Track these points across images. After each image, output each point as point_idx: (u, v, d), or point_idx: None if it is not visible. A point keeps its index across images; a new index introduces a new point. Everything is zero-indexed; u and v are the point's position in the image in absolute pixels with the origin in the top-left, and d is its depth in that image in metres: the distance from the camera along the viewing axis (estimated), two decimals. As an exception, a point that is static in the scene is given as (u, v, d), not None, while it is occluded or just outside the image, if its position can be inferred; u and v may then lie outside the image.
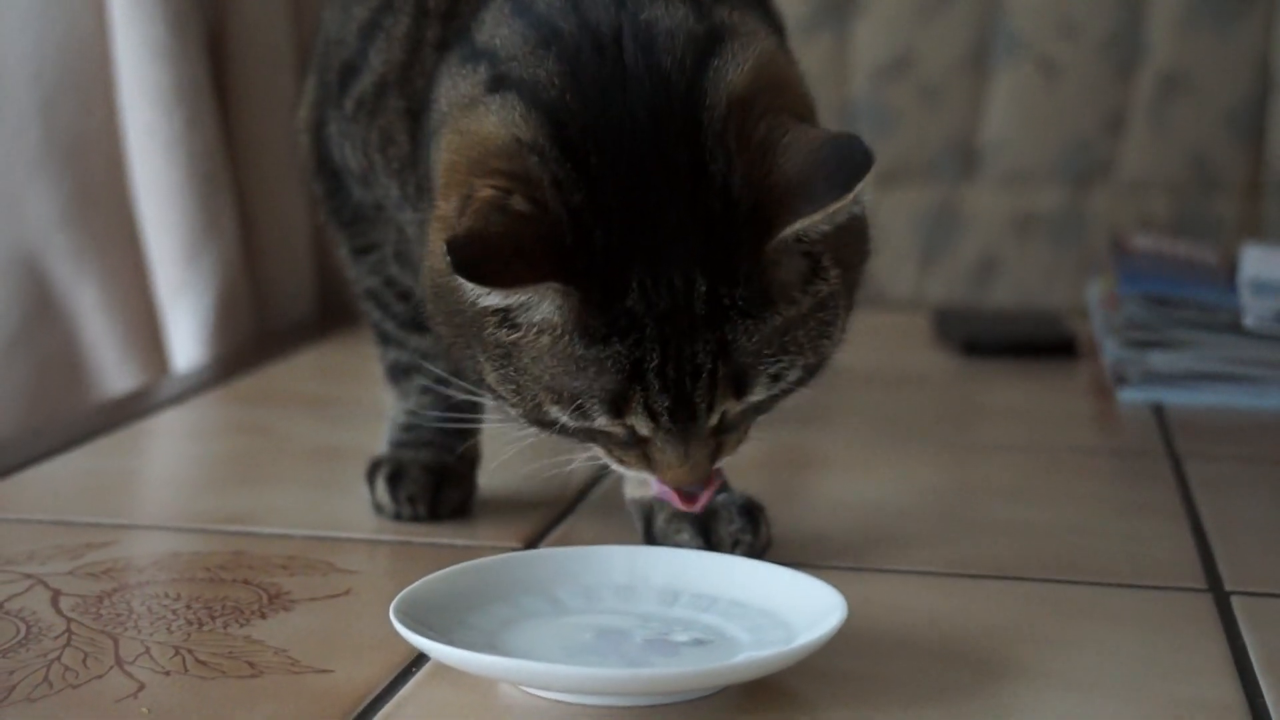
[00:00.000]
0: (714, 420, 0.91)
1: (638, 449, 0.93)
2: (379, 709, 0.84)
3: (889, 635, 0.94)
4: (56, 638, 0.92)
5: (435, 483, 1.14)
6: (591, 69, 0.91)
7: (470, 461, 1.17)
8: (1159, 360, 1.57)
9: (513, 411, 0.93)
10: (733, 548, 1.04)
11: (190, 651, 0.90)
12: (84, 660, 0.89)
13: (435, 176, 0.96)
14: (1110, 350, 1.60)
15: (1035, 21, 2.08)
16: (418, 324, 1.14)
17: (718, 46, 0.92)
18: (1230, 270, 1.69)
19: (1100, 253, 1.92)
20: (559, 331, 0.88)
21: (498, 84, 0.93)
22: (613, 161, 0.89)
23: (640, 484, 1.08)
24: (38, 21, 1.63)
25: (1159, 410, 1.52)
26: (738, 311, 0.88)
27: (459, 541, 1.10)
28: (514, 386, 0.91)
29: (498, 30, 0.96)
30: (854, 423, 1.48)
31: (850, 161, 0.86)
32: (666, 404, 0.89)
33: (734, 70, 0.91)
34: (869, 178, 0.86)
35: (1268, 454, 1.40)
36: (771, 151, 0.88)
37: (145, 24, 1.62)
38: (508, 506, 1.17)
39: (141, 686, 0.86)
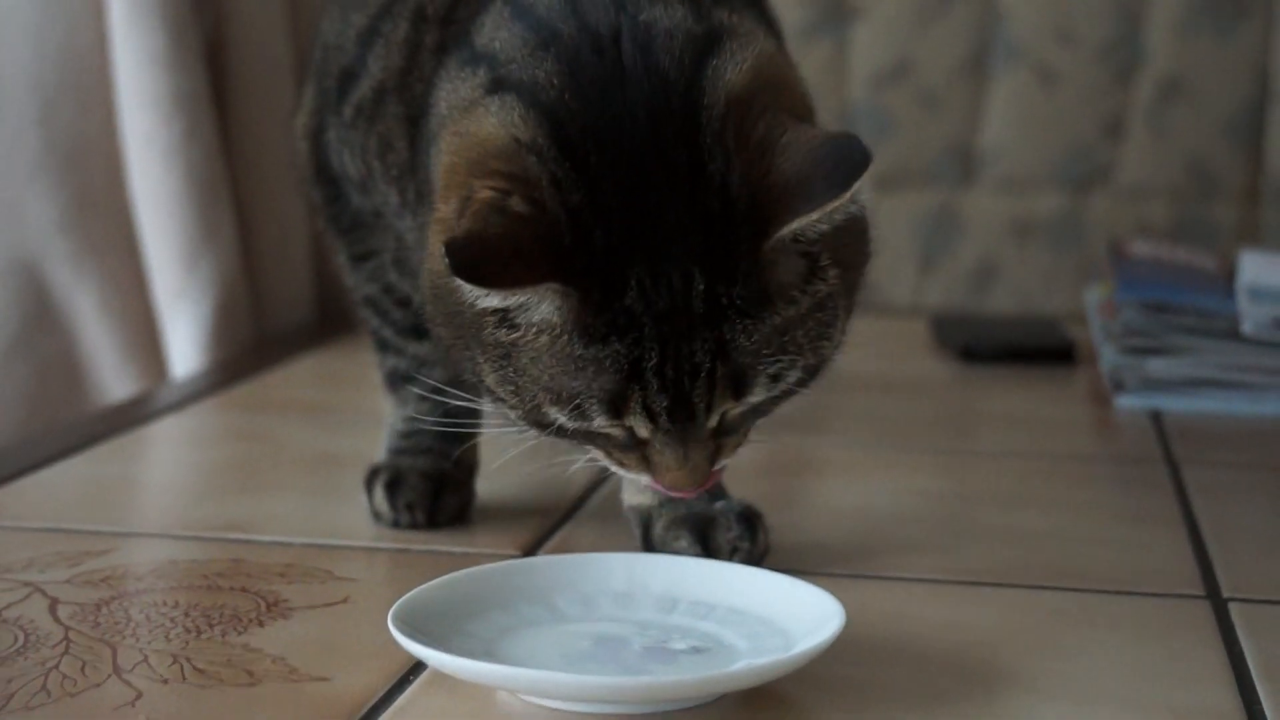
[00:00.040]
0: (713, 421, 0.91)
1: (637, 451, 0.93)
2: (377, 717, 0.84)
3: (887, 642, 0.94)
4: (54, 646, 0.92)
5: (434, 490, 1.14)
6: (590, 69, 0.91)
7: (468, 468, 1.17)
8: (1157, 367, 1.57)
9: (512, 413, 0.93)
10: (731, 555, 1.04)
11: (188, 659, 0.90)
12: (82, 668, 0.89)
13: (435, 179, 0.96)
14: (1108, 356, 1.60)
15: (1034, 28, 2.08)
16: (416, 331, 1.15)
17: (716, 47, 0.92)
18: (1228, 276, 1.69)
19: (1099, 258, 1.92)
20: (558, 331, 0.88)
21: (497, 86, 0.93)
22: (612, 161, 0.89)
23: (638, 491, 1.08)
24: (37, 29, 1.63)
25: (1157, 417, 1.52)
26: (736, 311, 0.88)
27: (457, 549, 1.10)
28: (513, 387, 0.91)
29: (497, 33, 0.96)
30: (852, 429, 1.48)
31: (848, 160, 0.86)
32: (665, 404, 0.89)
33: (733, 70, 0.91)
34: (867, 177, 0.86)
35: (1265, 460, 1.40)
36: (770, 151, 0.88)
37: (144, 32, 1.63)
38: (506, 514, 1.17)
39: (139, 695, 0.85)
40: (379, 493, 1.14)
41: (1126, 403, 1.56)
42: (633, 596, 0.95)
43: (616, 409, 0.89)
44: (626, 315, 0.88)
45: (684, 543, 1.04)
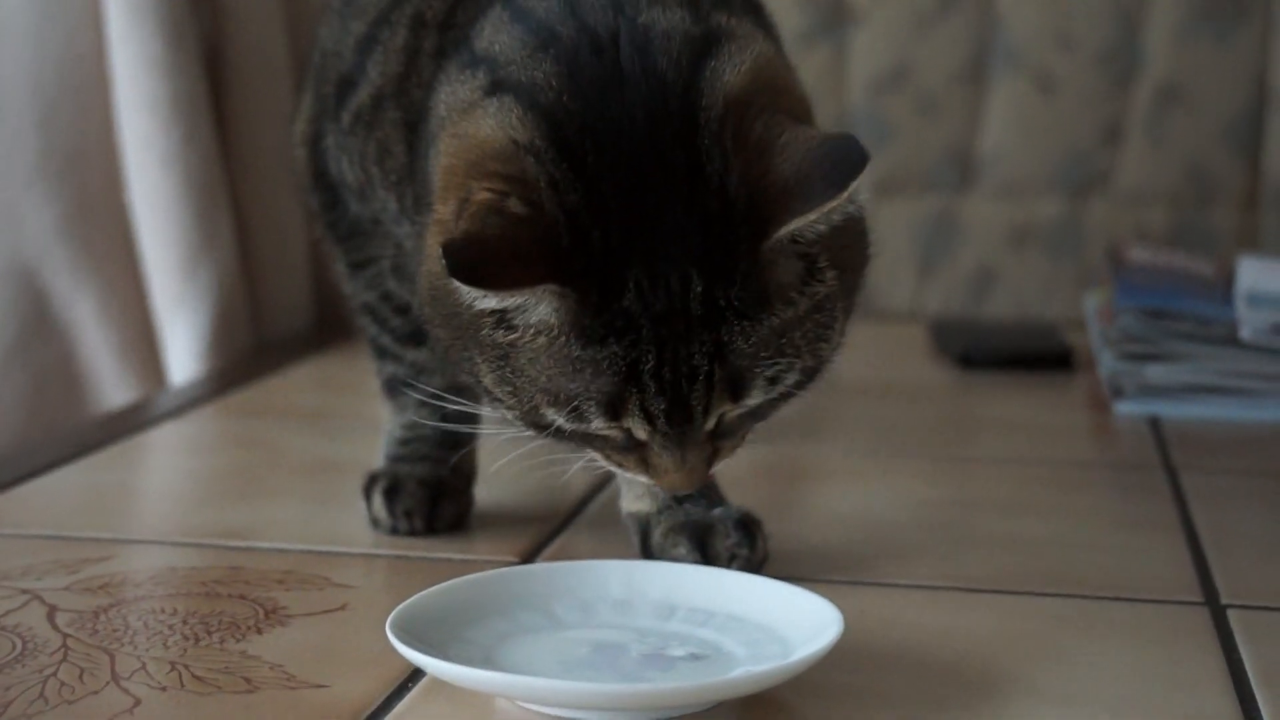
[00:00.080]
0: (710, 423, 0.91)
1: (635, 453, 0.93)
2: (375, 724, 0.84)
3: (885, 649, 0.94)
4: (53, 653, 0.92)
5: (432, 497, 1.14)
6: (589, 71, 0.91)
7: (467, 475, 1.17)
8: (1155, 373, 1.57)
9: (510, 414, 0.93)
10: (729, 562, 1.04)
11: (186, 667, 0.90)
12: (80, 676, 0.89)
13: (433, 182, 0.96)
14: (1107, 362, 1.60)
15: (1033, 33, 2.08)
16: (415, 338, 1.15)
17: (715, 48, 0.93)
18: (1227, 282, 1.69)
19: (1097, 264, 1.92)
20: (555, 333, 0.88)
21: (495, 88, 0.93)
22: (610, 163, 0.89)
23: (637, 497, 1.08)
24: (36, 34, 1.63)
25: (1155, 423, 1.52)
26: (734, 312, 0.88)
27: (455, 556, 1.10)
28: (511, 388, 0.91)
29: (496, 37, 0.96)
30: (850, 435, 1.48)
31: (846, 160, 0.86)
32: (663, 406, 0.89)
33: (731, 71, 0.91)
34: (865, 178, 0.86)
35: (1264, 466, 1.40)
36: (768, 151, 0.88)
37: (143, 38, 1.63)
38: (504, 520, 1.17)
39: (137, 702, 0.85)
40: (377, 499, 1.14)
41: (1125, 409, 1.56)
42: (631, 603, 0.95)
43: (614, 411, 0.89)
44: (624, 317, 0.88)
45: (682, 550, 1.04)
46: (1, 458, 1.47)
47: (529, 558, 1.10)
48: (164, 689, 0.87)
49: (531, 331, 0.89)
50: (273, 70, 1.79)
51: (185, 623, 0.97)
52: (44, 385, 1.67)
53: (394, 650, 0.84)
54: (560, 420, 0.90)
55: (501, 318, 0.89)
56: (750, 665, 0.87)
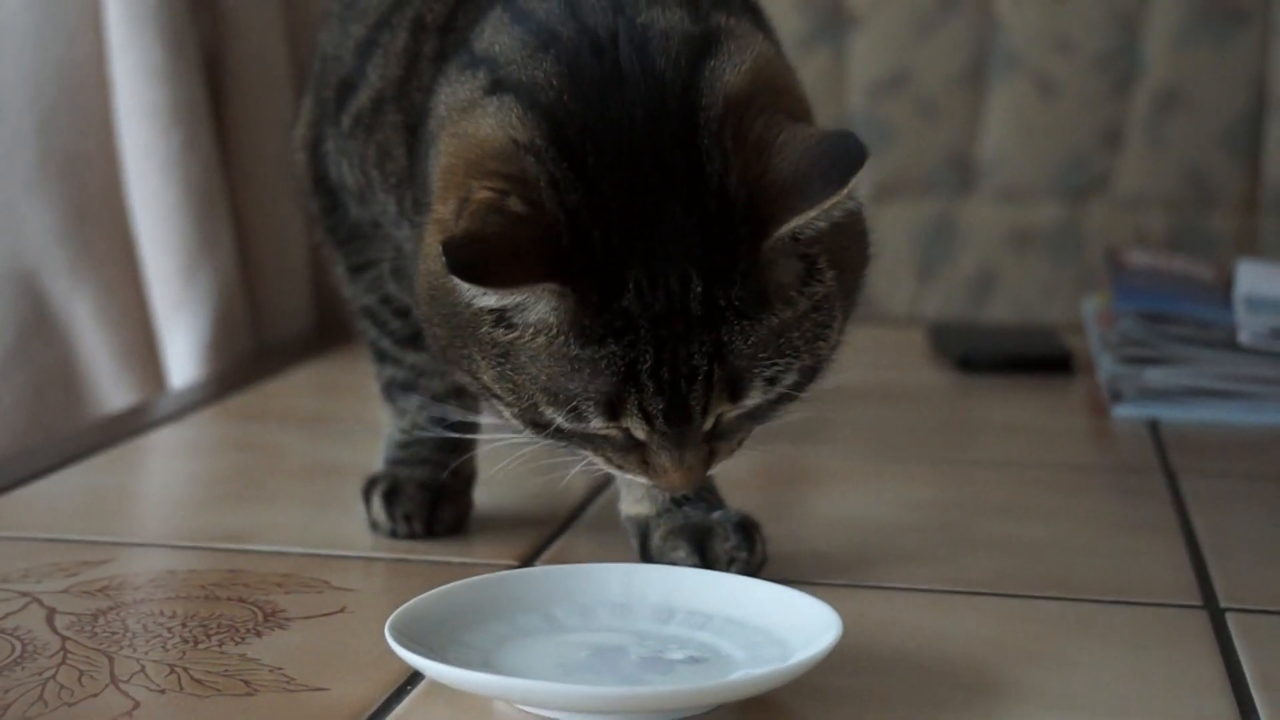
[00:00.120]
0: (709, 424, 0.91)
1: (633, 454, 0.93)
2: (374, 727, 0.84)
3: (884, 652, 0.94)
4: (52, 656, 0.92)
5: (431, 500, 1.14)
6: (589, 71, 0.92)
7: (466, 479, 1.17)
8: (1154, 376, 1.57)
9: (508, 413, 0.93)
10: (728, 565, 1.04)
11: (185, 670, 0.90)
12: (79, 679, 0.89)
13: (432, 183, 0.96)
14: (1106, 366, 1.60)
15: (1032, 37, 2.09)
16: (415, 341, 1.15)
17: (714, 48, 0.93)
18: (1226, 286, 1.69)
19: (1097, 268, 1.92)
20: (555, 332, 0.89)
21: (495, 87, 0.94)
22: (610, 162, 0.89)
23: (636, 501, 1.08)
24: (36, 42, 1.63)
25: (1154, 426, 1.52)
26: (734, 312, 0.88)
27: (455, 559, 1.10)
28: (510, 386, 0.91)
29: (497, 38, 0.96)
30: (849, 438, 1.48)
31: (845, 157, 0.86)
32: (661, 406, 0.89)
33: (730, 71, 0.92)
34: (864, 175, 0.86)
35: (1263, 470, 1.40)
36: (767, 150, 0.89)
37: (143, 45, 1.63)
38: (503, 524, 1.17)
39: (136, 705, 0.85)
40: (377, 503, 1.15)
41: (1124, 412, 1.56)
42: (630, 607, 0.95)
43: (613, 411, 0.89)
44: (624, 317, 0.88)
45: (681, 553, 1.04)
46: (1, 460, 1.47)
47: (528, 561, 1.10)
48: (163, 692, 0.87)
49: (531, 330, 0.89)
50: (272, 78, 1.79)
51: (184, 625, 0.97)
52: (43, 388, 1.67)
53: (393, 653, 0.84)
54: (559, 419, 0.90)
55: (501, 316, 0.90)
56: (749, 668, 0.87)
